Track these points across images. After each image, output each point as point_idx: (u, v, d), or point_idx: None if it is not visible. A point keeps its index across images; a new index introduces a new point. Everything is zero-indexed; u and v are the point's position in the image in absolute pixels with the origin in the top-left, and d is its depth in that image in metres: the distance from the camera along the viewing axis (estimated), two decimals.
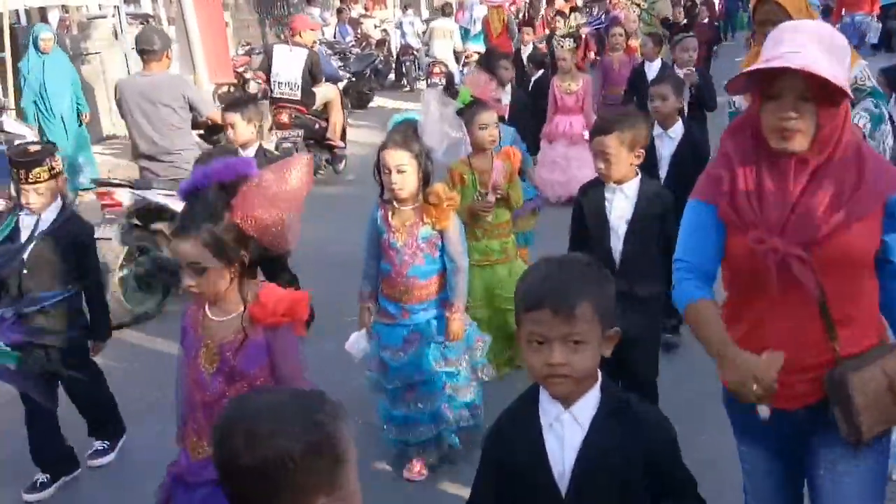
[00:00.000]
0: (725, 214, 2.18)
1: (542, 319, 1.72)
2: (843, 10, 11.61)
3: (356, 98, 14.52)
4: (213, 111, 6.30)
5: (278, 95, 9.08)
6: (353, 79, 14.50)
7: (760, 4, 3.34)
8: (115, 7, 10.81)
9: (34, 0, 10.18)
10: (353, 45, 15.83)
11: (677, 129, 4.79)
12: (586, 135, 7.43)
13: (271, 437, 1.30)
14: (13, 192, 4.84)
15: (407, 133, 3.52)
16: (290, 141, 8.71)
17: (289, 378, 2.41)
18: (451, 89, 9.04)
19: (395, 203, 3.61)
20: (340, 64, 13.92)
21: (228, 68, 12.44)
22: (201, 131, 7.50)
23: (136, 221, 5.91)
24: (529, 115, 7.43)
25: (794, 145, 2.06)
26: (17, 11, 12.32)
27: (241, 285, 2.41)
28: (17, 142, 7.80)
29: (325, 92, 9.20)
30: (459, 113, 4.02)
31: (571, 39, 8.50)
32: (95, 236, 4.43)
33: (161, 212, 5.84)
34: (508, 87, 7.13)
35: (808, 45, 2.01)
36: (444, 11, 16.80)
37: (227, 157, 2.45)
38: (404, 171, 3.48)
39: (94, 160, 9.68)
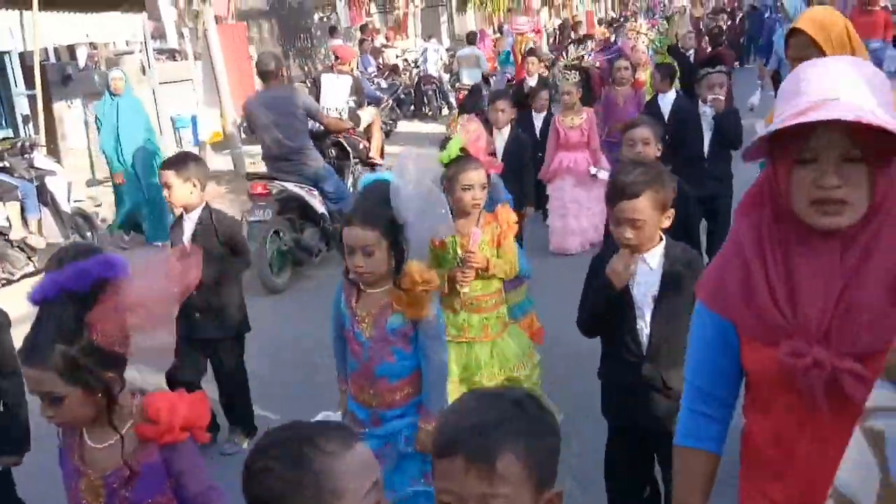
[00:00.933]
0: (741, 325, 1.70)
1: (454, 471, 1.32)
2: None
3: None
4: (329, 120, 7.85)
5: None
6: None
7: (791, 37, 3.07)
8: (141, 43, 10.94)
9: (63, 38, 10.32)
10: (375, 75, 15.93)
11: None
12: (593, 171, 7.23)
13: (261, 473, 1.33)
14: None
15: (376, 204, 2.85)
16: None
17: (200, 497, 2.09)
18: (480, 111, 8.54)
19: (361, 286, 2.98)
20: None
21: None
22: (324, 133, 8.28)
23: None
24: (529, 160, 6.64)
25: (842, 221, 1.56)
26: (45, 49, 12.56)
27: (112, 409, 1.99)
28: (47, 178, 7.93)
29: (368, 114, 9.65)
30: (445, 166, 3.67)
31: (575, 72, 8.10)
32: (251, 219, 6.85)
33: (291, 201, 7.19)
34: (506, 130, 6.60)
35: (845, 87, 1.55)
36: (469, 40, 17.01)
37: (87, 258, 1.98)
38: (371, 251, 2.81)
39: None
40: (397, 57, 18.95)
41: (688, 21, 20.05)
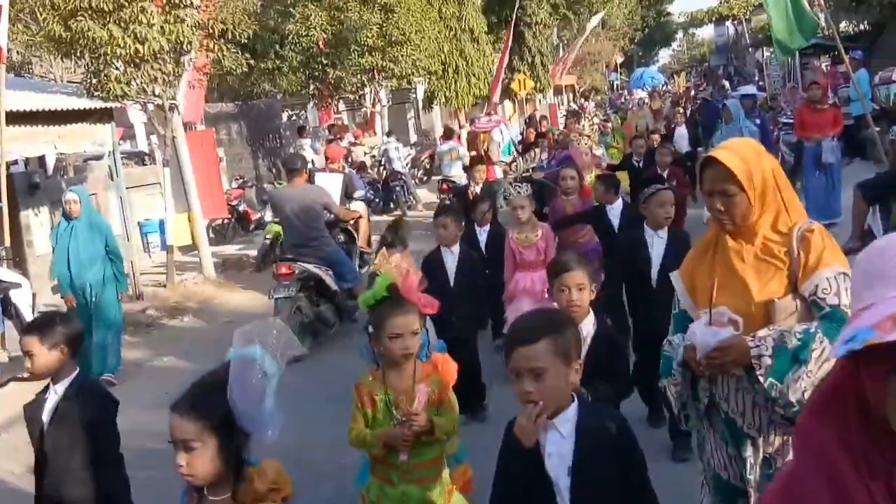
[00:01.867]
0: None
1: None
2: (805, 135, 10.74)
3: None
4: (340, 211, 8.94)
5: None
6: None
7: (707, 168, 2.74)
8: (110, 151, 11.08)
9: (31, 151, 10.44)
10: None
11: (588, 325, 3.62)
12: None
13: None
14: None
15: (204, 392, 2.29)
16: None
17: None
18: (463, 200, 8.75)
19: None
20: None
21: (222, 204, 12.70)
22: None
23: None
24: (483, 279, 6.39)
25: None
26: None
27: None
28: (11, 290, 7.90)
29: (357, 206, 10.74)
30: (370, 309, 3.26)
31: (527, 184, 6.96)
32: (277, 296, 7.98)
33: (308, 280, 8.15)
34: (456, 247, 6.08)
35: None
36: (446, 134, 17.49)
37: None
38: (193, 447, 2.20)
39: (123, 342, 8.46)
40: (365, 154, 19.30)
41: (648, 113, 20.66)
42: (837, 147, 10.81)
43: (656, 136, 12.81)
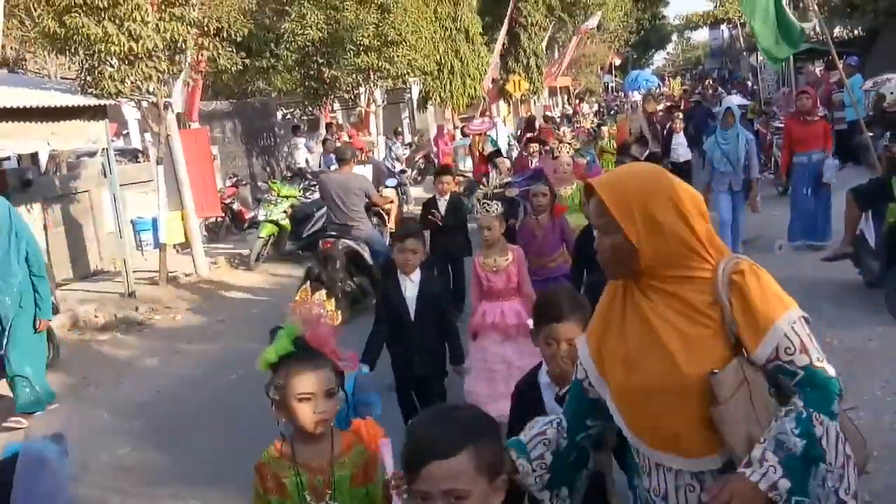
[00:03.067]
0: None
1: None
2: (794, 150, 10.00)
3: None
4: (376, 197, 9.88)
5: None
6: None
7: (589, 195, 2.26)
8: (104, 148, 11.06)
9: (24, 147, 10.41)
10: None
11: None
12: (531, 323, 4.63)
13: None
14: None
15: None
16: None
17: None
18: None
19: None
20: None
21: (216, 203, 12.68)
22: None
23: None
24: (450, 308, 5.80)
25: None
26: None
27: None
28: None
29: (388, 193, 12.29)
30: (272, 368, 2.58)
31: (497, 202, 5.90)
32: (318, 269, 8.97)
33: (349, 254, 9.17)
34: (417, 274, 5.15)
35: None
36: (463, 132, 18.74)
37: None
38: None
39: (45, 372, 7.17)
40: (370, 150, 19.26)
41: (641, 116, 20.65)
42: (836, 166, 10.09)
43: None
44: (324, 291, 2.87)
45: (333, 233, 9.30)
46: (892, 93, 8.42)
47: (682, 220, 2.10)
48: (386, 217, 12.03)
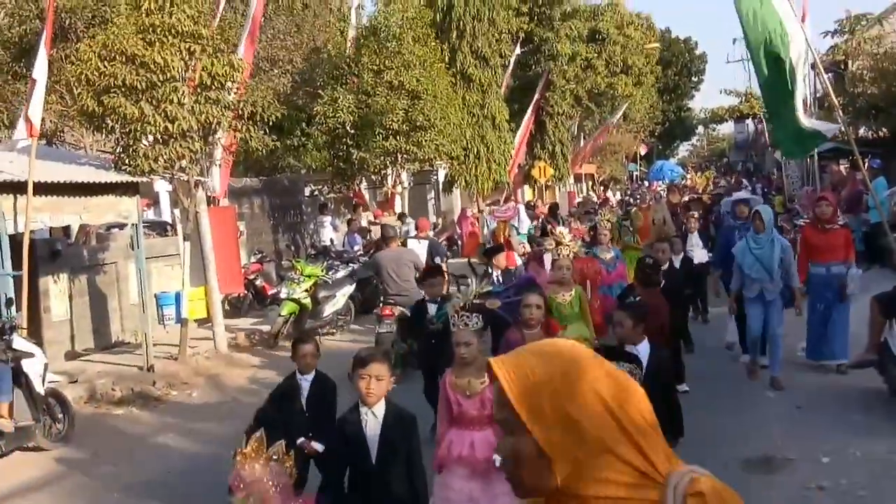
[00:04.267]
0: None
1: None
2: (809, 261, 9.14)
3: (361, 304, 14.75)
4: (422, 265, 10.75)
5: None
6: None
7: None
8: (133, 225, 11.26)
9: (56, 221, 10.63)
10: (360, 254, 16.30)
11: None
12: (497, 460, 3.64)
13: None
14: None
15: None
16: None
17: None
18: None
19: None
20: (348, 273, 14.30)
21: (239, 280, 12.79)
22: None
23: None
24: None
25: None
26: None
27: None
28: (23, 360, 7.92)
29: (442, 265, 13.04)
30: None
31: (477, 317, 4.96)
32: (381, 331, 10.22)
33: (403, 320, 9.91)
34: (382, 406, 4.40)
35: None
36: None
37: None
38: None
39: None
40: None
41: (664, 207, 20.69)
42: (857, 275, 9.17)
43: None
44: (282, 443, 3.17)
45: (391, 301, 10.43)
46: None
47: (612, 418, 1.56)
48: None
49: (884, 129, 21.13)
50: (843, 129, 11.21)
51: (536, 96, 27.41)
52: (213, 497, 6.65)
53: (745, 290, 8.71)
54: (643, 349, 5.19)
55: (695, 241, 12.50)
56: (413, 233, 18.49)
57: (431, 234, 18.40)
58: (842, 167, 22.65)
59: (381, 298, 10.93)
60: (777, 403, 7.98)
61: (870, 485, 5.96)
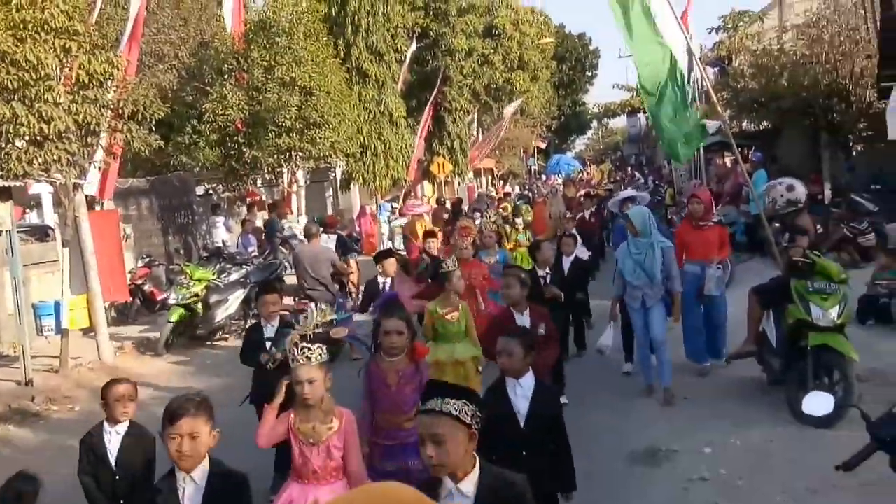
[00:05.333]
0: None
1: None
2: (687, 258, 8.87)
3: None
4: (339, 266, 11.33)
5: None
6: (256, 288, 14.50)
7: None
8: (6, 231, 10.68)
9: None
10: (255, 255, 15.96)
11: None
12: None
13: None
14: None
15: None
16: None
17: None
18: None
19: None
20: (242, 275, 13.95)
21: (124, 287, 12.30)
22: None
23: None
24: None
25: None
26: None
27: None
28: None
29: (353, 263, 13.93)
30: None
31: (320, 348, 4.19)
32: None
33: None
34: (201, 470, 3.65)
35: None
36: (400, 213, 19.34)
37: None
38: None
39: None
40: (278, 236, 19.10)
41: (560, 201, 20.99)
42: (722, 277, 9.12)
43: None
44: None
45: (304, 296, 10.80)
46: (781, 195, 8.54)
47: None
48: (349, 285, 13.02)
49: (765, 122, 21.99)
50: (724, 124, 11.58)
51: (434, 92, 27.43)
52: None
53: (627, 298, 8.24)
54: (526, 383, 4.25)
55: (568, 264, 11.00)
56: (299, 233, 18.39)
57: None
58: (726, 160, 23.53)
59: (298, 293, 11.29)
60: (661, 396, 8.12)
61: (748, 474, 6.16)
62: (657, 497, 6.03)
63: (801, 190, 8.47)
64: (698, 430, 7.14)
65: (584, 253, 11.04)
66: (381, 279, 9.23)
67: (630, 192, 12.32)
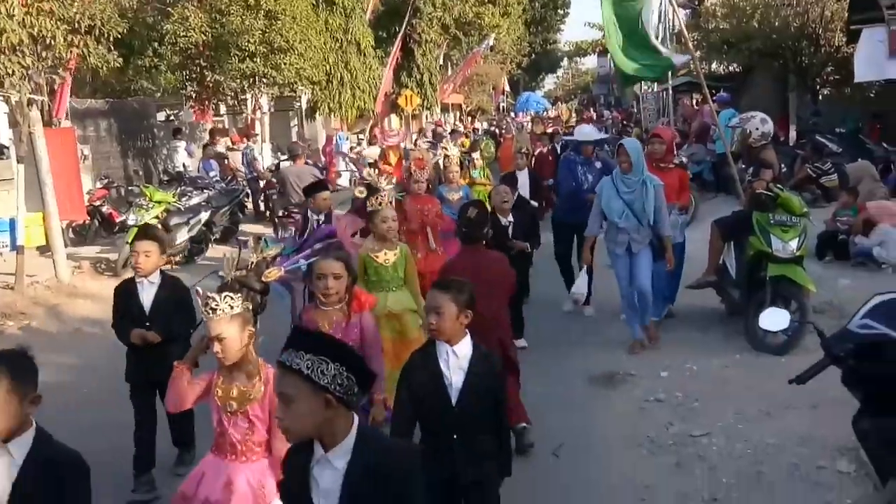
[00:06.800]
0: None
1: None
2: None
3: (222, 231, 14.30)
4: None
5: None
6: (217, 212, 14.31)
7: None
8: None
9: None
10: (217, 180, 15.70)
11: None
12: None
13: None
14: None
15: None
16: None
17: None
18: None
19: None
20: (203, 199, 13.74)
21: (81, 207, 12.05)
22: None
23: None
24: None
25: None
26: None
27: None
28: None
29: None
30: None
31: (234, 298, 3.49)
32: (285, 234, 9.96)
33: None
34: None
35: None
36: (370, 142, 19.03)
37: None
38: None
39: None
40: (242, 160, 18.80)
41: (526, 138, 20.89)
42: (684, 223, 8.51)
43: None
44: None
45: (289, 210, 11.21)
46: (756, 128, 8.41)
47: None
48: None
49: (735, 64, 21.96)
50: (693, 62, 11.49)
51: (404, 23, 26.95)
52: (53, 426, 6.29)
53: (608, 243, 7.47)
54: (462, 351, 3.52)
55: (524, 180, 10.46)
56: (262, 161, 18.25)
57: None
58: (694, 101, 23.52)
59: (286, 208, 11.71)
60: (621, 326, 7.96)
61: (702, 397, 6.26)
62: (613, 416, 6.11)
63: (770, 125, 8.40)
64: (656, 356, 7.23)
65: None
66: (313, 215, 7.57)
67: (590, 128, 11.33)
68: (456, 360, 3.49)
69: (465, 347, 3.54)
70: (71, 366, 7.96)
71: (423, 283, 6.28)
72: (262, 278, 3.69)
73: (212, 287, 3.60)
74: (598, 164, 9.17)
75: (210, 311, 3.39)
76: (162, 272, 5.17)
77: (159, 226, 12.04)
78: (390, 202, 6.00)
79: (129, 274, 11.36)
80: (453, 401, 3.46)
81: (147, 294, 5.12)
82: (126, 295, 5.18)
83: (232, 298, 3.41)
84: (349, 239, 6.58)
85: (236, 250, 3.91)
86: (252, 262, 3.73)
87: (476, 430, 3.52)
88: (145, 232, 5.34)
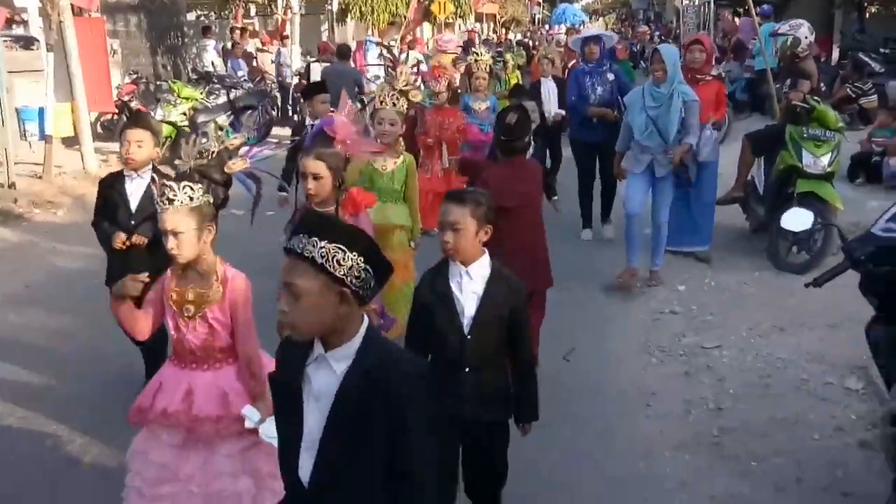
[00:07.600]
0: None
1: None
2: None
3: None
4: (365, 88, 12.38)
5: None
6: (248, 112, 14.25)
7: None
8: None
9: None
10: (245, 80, 15.59)
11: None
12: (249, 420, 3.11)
13: None
14: None
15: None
16: None
17: None
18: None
19: None
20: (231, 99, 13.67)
21: (109, 98, 12.03)
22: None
23: None
24: None
25: None
26: None
27: None
28: None
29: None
30: None
31: (193, 188, 3.12)
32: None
33: None
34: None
35: None
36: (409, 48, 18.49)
37: None
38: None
39: None
40: (272, 62, 18.62)
41: (555, 49, 20.42)
42: (717, 140, 7.60)
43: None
44: None
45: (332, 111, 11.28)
46: (805, 36, 7.85)
47: None
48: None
49: None
50: None
51: None
52: (67, 315, 6.46)
53: (629, 160, 6.78)
54: (477, 272, 3.13)
55: (549, 87, 9.43)
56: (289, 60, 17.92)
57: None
58: (736, 16, 22.77)
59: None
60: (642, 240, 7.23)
61: (718, 311, 6.26)
62: (627, 325, 6.14)
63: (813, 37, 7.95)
64: (675, 270, 7.20)
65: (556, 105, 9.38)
66: (309, 121, 6.86)
67: (595, 30, 10.15)
68: (470, 282, 3.10)
69: (481, 268, 3.13)
70: (96, 254, 8.07)
71: (423, 202, 6.07)
72: (225, 169, 3.26)
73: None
74: (611, 77, 8.21)
75: (166, 202, 3.02)
76: (154, 167, 4.43)
77: (187, 122, 12.09)
78: (395, 103, 5.18)
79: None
80: (465, 329, 3.08)
81: (136, 190, 4.48)
82: (111, 189, 4.54)
83: (192, 189, 3.05)
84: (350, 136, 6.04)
85: (196, 137, 3.53)
86: (213, 152, 3.24)
87: (490, 365, 3.16)
88: (137, 119, 4.79)
